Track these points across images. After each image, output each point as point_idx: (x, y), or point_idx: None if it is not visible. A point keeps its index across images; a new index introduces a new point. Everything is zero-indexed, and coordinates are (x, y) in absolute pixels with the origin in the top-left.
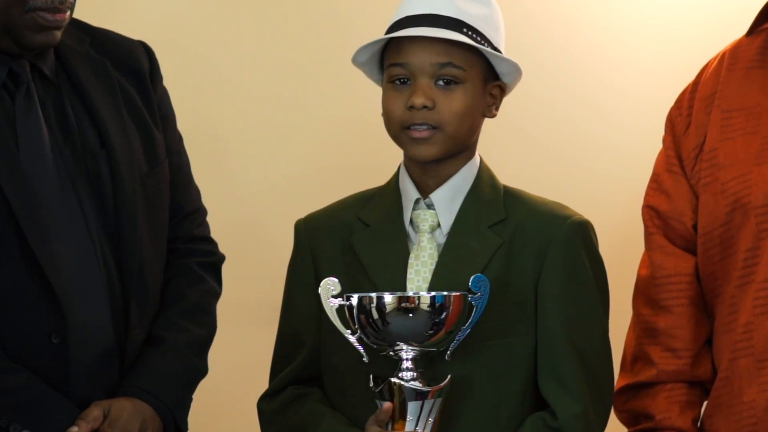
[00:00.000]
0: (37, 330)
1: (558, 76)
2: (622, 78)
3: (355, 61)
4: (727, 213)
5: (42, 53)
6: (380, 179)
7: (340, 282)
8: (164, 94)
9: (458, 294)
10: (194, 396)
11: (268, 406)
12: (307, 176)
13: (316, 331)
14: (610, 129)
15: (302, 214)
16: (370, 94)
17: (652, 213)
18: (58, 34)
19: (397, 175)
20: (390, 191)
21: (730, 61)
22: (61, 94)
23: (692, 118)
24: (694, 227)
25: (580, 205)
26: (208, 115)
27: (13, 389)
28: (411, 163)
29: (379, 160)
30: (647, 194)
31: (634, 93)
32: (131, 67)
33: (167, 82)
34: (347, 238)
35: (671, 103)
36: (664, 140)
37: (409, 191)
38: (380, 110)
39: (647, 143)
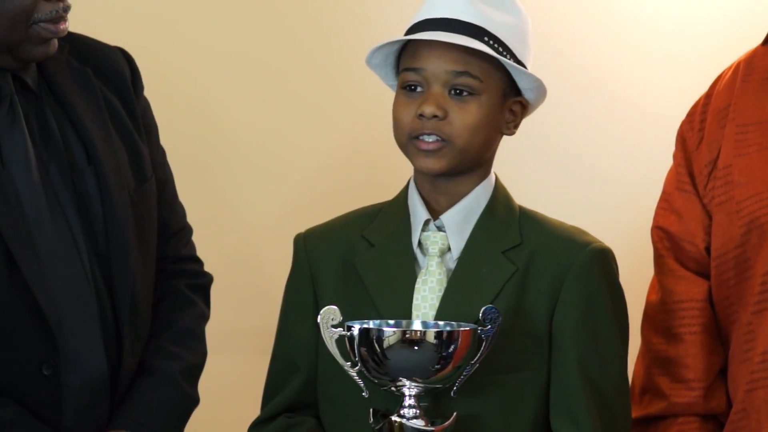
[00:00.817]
0: (27, 360)
1: (567, 91)
2: (633, 92)
3: (369, 62)
4: (742, 234)
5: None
6: (381, 199)
7: (341, 306)
8: (147, 105)
9: (467, 328)
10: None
11: None
12: (303, 195)
13: (313, 355)
14: (619, 143)
15: (292, 234)
16: (372, 109)
17: (662, 234)
18: (56, 43)
19: (405, 190)
20: (398, 208)
21: (745, 72)
22: (43, 106)
23: (705, 132)
24: (707, 249)
25: (586, 226)
26: (199, 131)
27: (1, 424)
28: (421, 178)
29: (379, 178)
30: (657, 214)
31: (643, 106)
32: (112, 75)
33: (156, 94)
34: (350, 257)
35: (683, 116)
36: (675, 156)
37: (419, 212)
38: (384, 127)
39: (659, 159)
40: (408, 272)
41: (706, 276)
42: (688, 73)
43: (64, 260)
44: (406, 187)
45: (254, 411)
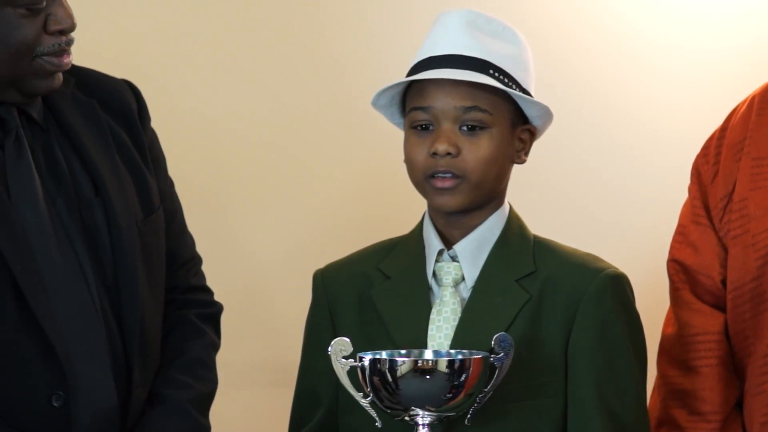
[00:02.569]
0: (37, 392)
1: (580, 115)
2: (650, 119)
3: (375, 104)
4: (758, 267)
5: None
6: (394, 231)
7: (358, 339)
8: (154, 136)
9: (479, 356)
10: None
11: None
12: (315, 228)
13: (334, 388)
14: (635, 174)
15: (306, 270)
16: (385, 142)
17: (677, 267)
18: (61, 77)
19: (421, 224)
20: (413, 241)
21: (760, 105)
22: (50, 139)
23: (720, 166)
24: (723, 282)
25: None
26: (209, 162)
27: None
28: (435, 212)
29: (393, 212)
30: (672, 247)
31: (662, 134)
32: (119, 108)
33: (164, 127)
34: (366, 290)
35: (698, 137)
36: (690, 190)
37: (433, 243)
38: (395, 159)
39: (676, 190)
40: (423, 303)
41: (722, 309)
42: (707, 98)
43: (73, 292)
44: (422, 221)
45: None
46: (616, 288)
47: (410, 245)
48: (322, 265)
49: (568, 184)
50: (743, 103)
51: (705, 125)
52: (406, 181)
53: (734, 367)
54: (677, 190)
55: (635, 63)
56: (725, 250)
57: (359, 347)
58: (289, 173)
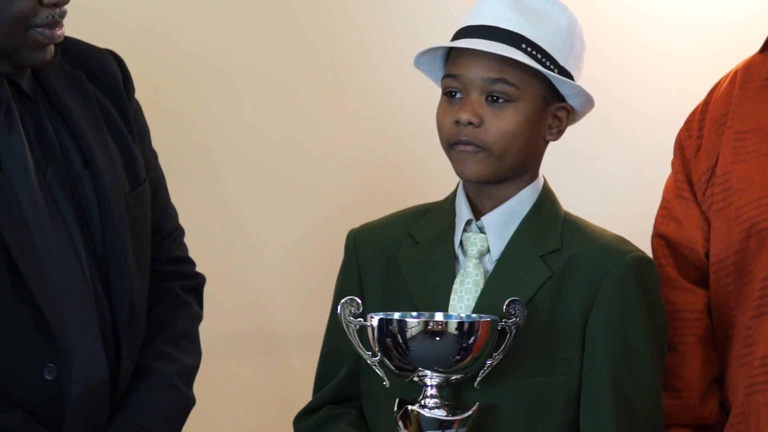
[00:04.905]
0: (29, 365)
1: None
2: (634, 94)
3: (418, 67)
4: (741, 239)
5: None
6: (392, 201)
7: (382, 301)
8: (138, 107)
9: (487, 319)
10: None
11: (301, 425)
12: (301, 197)
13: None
14: (619, 150)
15: (290, 238)
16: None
17: (662, 242)
18: (53, 49)
19: (455, 192)
20: (446, 208)
21: (743, 79)
22: (39, 110)
23: (703, 140)
24: (707, 255)
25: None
26: (195, 132)
27: (5, 429)
28: (468, 182)
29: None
30: (657, 222)
31: (646, 109)
32: (105, 78)
33: (153, 95)
34: (395, 254)
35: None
36: (673, 164)
37: (463, 212)
38: (395, 127)
39: (659, 166)
40: (447, 272)
41: (705, 285)
42: (692, 74)
43: (65, 265)
44: (456, 189)
45: (253, 413)
46: (641, 272)
47: (442, 213)
48: (307, 233)
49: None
50: (726, 77)
51: (689, 100)
52: (399, 154)
53: (716, 339)
54: (660, 166)
55: (621, 37)
56: (708, 223)
57: (383, 310)
58: (277, 140)
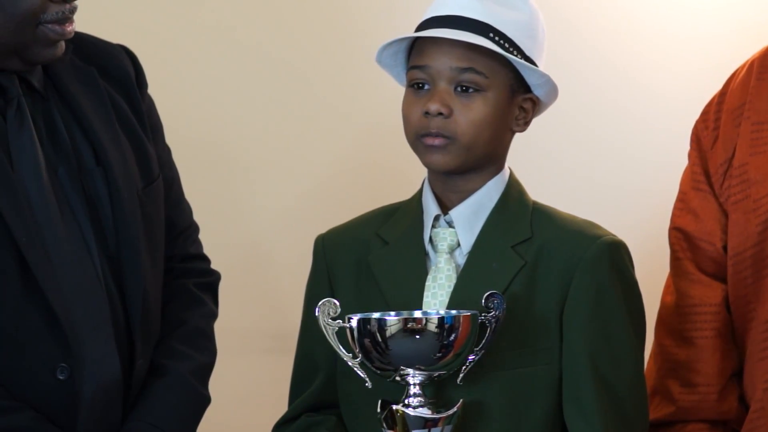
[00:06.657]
0: (41, 364)
1: (579, 78)
2: (650, 82)
3: (380, 62)
4: (759, 232)
5: None
6: (393, 196)
7: (355, 304)
8: (151, 103)
9: (467, 314)
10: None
11: None
12: (314, 193)
13: (332, 354)
14: (635, 139)
15: (304, 235)
16: (386, 103)
17: (679, 235)
18: (63, 45)
19: (421, 189)
20: (413, 207)
21: (760, 69)
22: (50, 107)
23: (720, 131)
24: (725, 248)
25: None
26: (207, 128)
27: (18, 430)
28: (434, 176)
29: (392, 177)
30: (674, 215)
31: (663, 98)
32: (117, 75)
33: (165, 91)
34: (365, 256)
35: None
36: (690, 156)
37: (430, 207)
38: (399, 121)
39: (675, 155)
40: (419, 269)
41: (723, 278)
42: (707, 61)
43: (77, 263)
44: (422, 186)
45: (267, 411)
46: (613, 255)
47: (410, 211)
48: (321, 230)
49: (567, 150)
50: (742, 67)
51: (706, 88)
52: (407, 147)
53: (734, 334)
54: (677, 156)
55: (636, 24)
56: (726, 215)
57: (356, 313)
58: (289, 138)
